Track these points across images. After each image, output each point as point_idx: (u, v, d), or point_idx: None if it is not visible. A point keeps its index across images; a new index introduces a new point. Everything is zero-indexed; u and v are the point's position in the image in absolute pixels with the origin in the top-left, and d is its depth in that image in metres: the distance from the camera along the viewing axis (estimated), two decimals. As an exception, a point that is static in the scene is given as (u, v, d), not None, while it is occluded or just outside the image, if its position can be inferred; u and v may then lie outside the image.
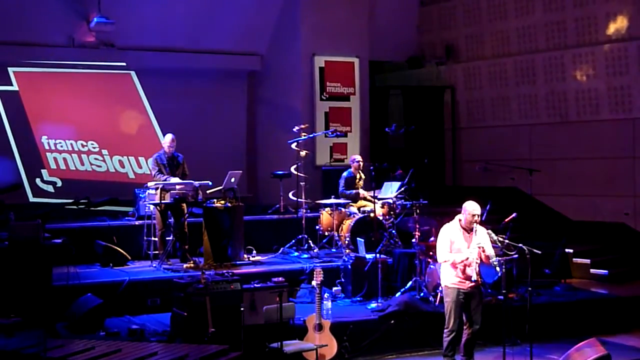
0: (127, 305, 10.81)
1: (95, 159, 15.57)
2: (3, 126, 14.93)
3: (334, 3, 16.35)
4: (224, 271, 10.40)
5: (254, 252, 12.83)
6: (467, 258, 9.22)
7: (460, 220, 9.43)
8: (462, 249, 9.29)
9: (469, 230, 9.35)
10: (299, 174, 13.69)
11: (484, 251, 9.24)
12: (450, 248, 9.32)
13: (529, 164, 15.13)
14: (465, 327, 9.48)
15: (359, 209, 13.45)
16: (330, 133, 15.03)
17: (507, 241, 9.48)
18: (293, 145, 13.75)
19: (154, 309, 10.94)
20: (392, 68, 19.14)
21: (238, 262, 12.17)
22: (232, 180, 12.68)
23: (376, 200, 12.85)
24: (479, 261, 9.26)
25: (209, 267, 11.42)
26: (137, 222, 13.22)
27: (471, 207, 9.34)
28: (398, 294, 11.54)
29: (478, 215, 9.35)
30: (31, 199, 15.02)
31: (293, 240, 13.40)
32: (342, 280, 11.95)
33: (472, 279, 9.28)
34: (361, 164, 13.85)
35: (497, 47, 17.20)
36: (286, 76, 16.54)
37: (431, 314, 10.73)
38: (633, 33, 14.87)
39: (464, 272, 9.27)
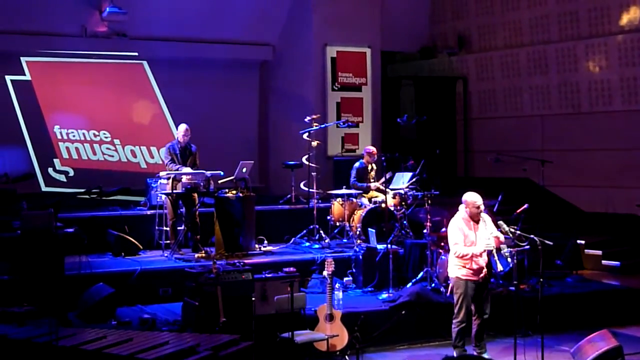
0: (139, 294, 10.84)
1: (107, 148, 15.61)
2: (16, 116, 14.98)
3: (346, -7, 16.36)
4: (236, 261, 10.41)
5: (266, 242, 12.84)
6: (485, 250, 9.21)
7: (465, 211, 9.39)
8: (474, 241, 9.27)
9: (476, 221, 9.33)
10: (310, 164, 13.69)
11: (497, 239, 9.25)
12: (464, 242, 9.30)
13: (541, 155, 15.10)
14: (474, 318, 9.48)
15: (370, 199, 13.45)
16: (341, 123, 15.05)
17: (518, 232, 9.46)
18: (305, 136, 13.76)
19: (165, 299, 10.96)
20: (404, 58, 19.09)
21: (249, 252, 12.18)
22: (244, 170, 12.69)
23: (388, 191, 12.85)
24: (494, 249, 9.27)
25: (221, 257, 11.41)
26: (148, 212, 13.24)
27: (472, 199, 9.28)
28: (409, 284, 11.53)
29: (482, 205, 9.31)
30: (43, 188, 15.07)
31: (304, 231, 13.41)
32: (353, 270, 11.97)
33: (498, 268, 9.24)
34: (375, 155, 13.78)
35: (509, 37, 17.15)
36: (298, 66, 16.55)
37: (442, 305, 10.71)
38: (646, 24, 14.83)
39: (477, 263, 9.26)
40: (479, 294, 9.40)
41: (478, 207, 9.27)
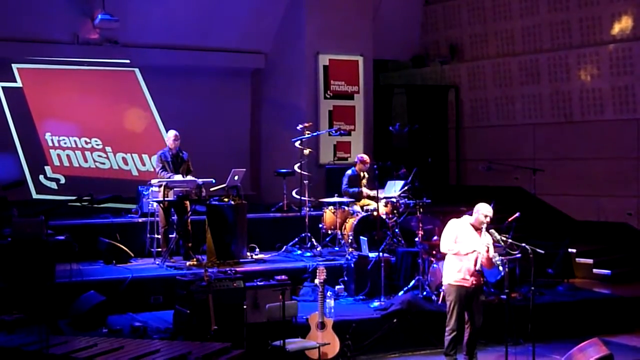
0: (130, 302, 10.82)
1: (99, 156, 15.57)
2: (7, 123, 14.94)
3: (339, 1, 16.37)
4: (227, 269, 10.38)
5: (257, 250, 12.82)
6: (474, 251, 9.24)
7: (471, 218, 9.44)
8: (466, 244, 9.29)
9: (477, 229, 9.37)
10: (302, 172, 13.69)
11: (487, 251, 9.24)
12: (455, 240, 9.35)
13: (533, 164, 15.14)
14: (466, 326, 9.49)
15: (362, 207, 13.45)
16: (334, 131, 15.07)
17: (510, 241, 9.48)
18: (297, 144, 13.76)
19: (156, 307, 10.94)
20: (396, 67, 19.13)
21: (241, 260, 12.15)
22: (236, 178, 12.67)
23: (380, 199, 12.85)
24: (484, 260, 9.29)
25: (212, 265, 11.39)
26: (140, 220, 13.22)
27: (485, 209, 9.38)
28: (401, 292, 11.52)
29: (490, 218, 9.36)
30: (34, 195, 15.03)
31: (296, 239, 13.39)
32: (345, 278, 11.95)
33: (477, 268, 9.30)
34: (368, 163, 13.80)
35: (501, 46, 17.20)
36: (290, 74, 16.55)
37: (434, 313, 10.71)
38: (638, 33, 14.86)
39: (468, 269, 9.29)
40: (471, 301, 9.42)
41: (485, 217, 9.35)
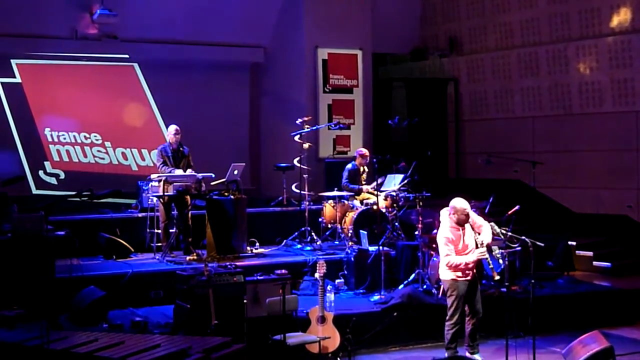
0: (130, 297, 10.83)
1: (98, 151, 15.57)
2: (6, 118, 14.94)
3: (337, -5, 16.36)
4: (227, 263, 10.41)
5: (257, 244, 12.83)
6: (478, 259, 9.22)
7: (450, 217, 9.37)
8: (466, 245, 9.27)
9: (462, 226, 9.31)
10: (302, 166, 13.69)
11: (487, 246, 9.22)
12: (455, 250, 9.28)
13: (532, 157, 15.12)
14: (468, 318, 9.49)
15: (361, 201, 13.45)
16: (333, 125, 15.05)
17: (510, 233, 9.47)
18: (296, 138, 13.74)
19: (157, 301, 10.96)
20: (395, 60, 19.11)
21: (241, 255, 12.17)
22: (235, 172, 12.67)
23: (379, 193, 12.85)
24: (487, 256, 9.27)
25: (212, 260, 11.40)
26: (140, 215, 13.23)
27: (462, 206, 9.23)
28: (401, 286, 11.54)
29: (469, 211, 9.29)
30: (34, 191, 15.03)
31: (296, 233, 13.41)
32: (345, 272, 11.97)
33: (496, 274, 9.29)
34: (367, 157, 13.79)
35: (500, 39, 17.17)
36: (289, 68, 16.54)
37: (434, 306, 10.72)
38: (637, 25, 14.83)
39: (468, 268, 9.29)
40: (472, 293, 9.41)
41: (467, 215, 9.27)
